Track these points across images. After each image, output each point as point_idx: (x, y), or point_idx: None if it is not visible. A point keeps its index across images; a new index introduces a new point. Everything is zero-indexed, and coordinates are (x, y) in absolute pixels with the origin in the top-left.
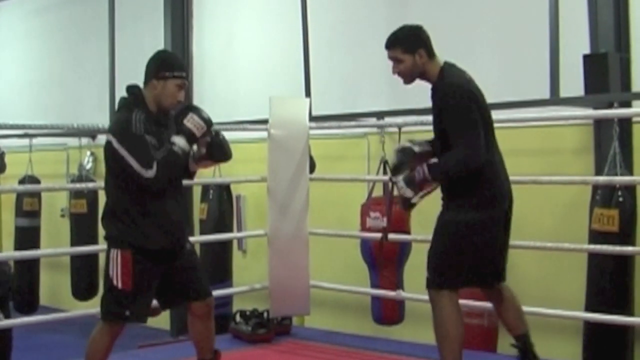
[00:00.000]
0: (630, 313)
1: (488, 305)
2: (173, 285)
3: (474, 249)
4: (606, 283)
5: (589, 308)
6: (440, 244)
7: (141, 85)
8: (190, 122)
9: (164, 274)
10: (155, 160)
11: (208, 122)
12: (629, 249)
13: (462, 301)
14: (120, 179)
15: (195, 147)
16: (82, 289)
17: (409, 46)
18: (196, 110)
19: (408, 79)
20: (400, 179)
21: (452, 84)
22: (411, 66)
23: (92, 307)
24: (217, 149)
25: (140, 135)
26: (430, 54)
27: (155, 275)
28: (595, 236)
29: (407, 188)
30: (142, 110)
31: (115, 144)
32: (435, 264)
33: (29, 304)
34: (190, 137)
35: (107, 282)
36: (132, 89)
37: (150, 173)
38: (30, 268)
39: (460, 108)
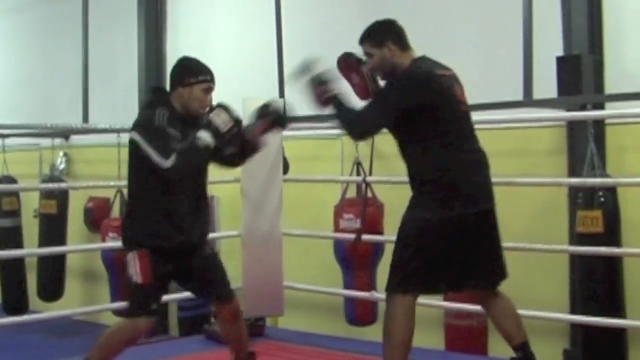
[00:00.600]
0: (623, 315)
1: (476, 306)
2: (196, 286)
3: (424, 251)
4: (596, 285)
5: (577, 310)
6: (396, 244)
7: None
8: (217, 117)
9: (182, 274)
10: (174, 150)
11: (236, 120)
12: (615, 250)
13: (450, 304)
14: (141, 177)
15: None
16: (49, 290)
17: (377, 40)
18: (225, 107)
19: (380, 73)
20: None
21: (404, 72)
22: (380, 60)
23: (59, 309)
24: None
25: (161, 126)
26: (403, 47)
27: (168, 274)
28: (581, 238)
29: (311, 85)
30: (166, 107)
31: (138, 139)
32: (391, 264)
33: (18, 304)
34: (215, 132)
35: (127, 281)
36: (155, 90)
37: (168, 163)
38: (17, 268)
39: (395, 90)
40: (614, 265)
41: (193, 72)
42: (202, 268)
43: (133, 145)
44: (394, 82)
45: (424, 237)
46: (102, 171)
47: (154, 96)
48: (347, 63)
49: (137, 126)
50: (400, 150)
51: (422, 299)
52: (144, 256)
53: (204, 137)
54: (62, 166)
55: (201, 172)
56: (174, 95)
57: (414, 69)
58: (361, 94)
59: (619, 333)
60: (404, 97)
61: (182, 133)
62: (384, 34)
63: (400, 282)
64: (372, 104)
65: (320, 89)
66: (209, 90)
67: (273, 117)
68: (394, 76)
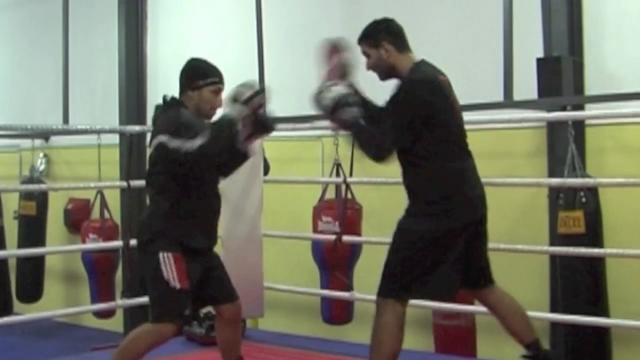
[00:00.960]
0: (606, 315)
1: (463, 306)
2: (207, 285)
3: (426, 261)
4: (579, 285)
5: (560, 310)
6: (392, 252)
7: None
8: (231, 108)
9: (203, 274)
10: (201, 133)
11: (258, 89)
12: (597, 250)
13: (438, 304)
14: (169, 179)
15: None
16: (27, 291)
17: (373, 40)
18: (242, 85)
19: (378, 73)
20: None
21: (412, 80)
22: (376, 60)
23: (39, 310)
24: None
25: (189, 118)
26: (400, 48)
27: (198, 276)
28: (563, 239)
29: (329, 104)
30: (186, 109)
31: (165, 140)
32: (386, 272)
33: (4, 305)
34: (241, 99)
35: (158, 284)
36: (171, 98)
37: (196, 142)
38: (0, 270)
39: (405, 103)
40: (595, 265)
41: (202, 74)
42: (215, 267)
43: (160, 150)
44: (400, 93)
45: (425, 248)
46: (82, 172)
47: (171, 100)
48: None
49: (166, 125)
50: (400, 156)
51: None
52: (180, 259)
53: (230, 112)
54: (42, 167)
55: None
56: (185, 100)
57: (419, 76)
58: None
59: (602, 333)
60: (411, 111)
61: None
62: (380, 34)
63: (395, 289)
64: (386, 124)
65: (345, 112)
66: (218, 91)
67: (258, 122)
68: (396, 78)
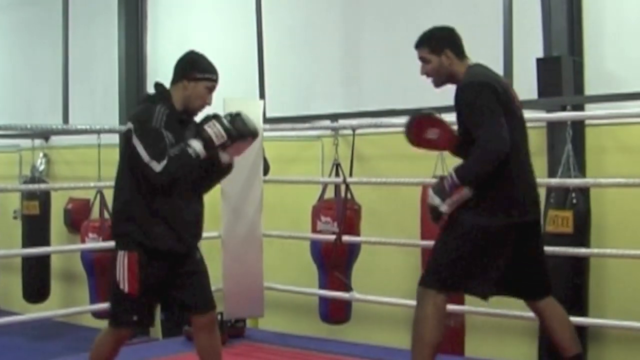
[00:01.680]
0: (585, 314)
1: (454, 306)
2: (175, 291)
3: (477, 256)
4: (561, 284)
5: None
6: (442, 243)
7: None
8: (212, 129)
9: (170, 279)
10: (167, 155)
11: (230, 133)
12: (583, 250)
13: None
14: (134, 174)
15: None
16: (34, 291)
17: (435, 46)
18: (220, 120)
19: (436, 80)
20: (430, 190)
21: (466, 82)
22: (437, 67)
23: (44, 310)
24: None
25: (157, 128)
26: (460, 55)
27: (162, 280)
28: (550, 238)
29: (435, 196)
30: (166, 106)
31: (133, 132)
32: (432, 263)
33: None
34: (208, 144)
35: (113, 285)
36: (158, 87)
37: (158, 167)
38: None
39: (474, 101)
40: (579, 265)
41: (202, 68)
42: (191, 273)
43: (128, 134)
44: (464, 93)
45: (479, 241)
46: (82, 172)
47: (155, 91)
48: (421, 122)
49: (135, 121)
50: (462, 152)
51: (400, 299)
52: (134, 261)
53: (196, 146)
54: (41, 167)
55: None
56: (177, 88)
57: (477, 75)
58: (443, 144)
59: (579, 331)
60: (485, 98)
61: (175, 134)
62: (443, 41)
63: (439, 280)
64: (475, 127)
65: (445, 185)
66: (212, 89)
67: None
68: (453, 84)
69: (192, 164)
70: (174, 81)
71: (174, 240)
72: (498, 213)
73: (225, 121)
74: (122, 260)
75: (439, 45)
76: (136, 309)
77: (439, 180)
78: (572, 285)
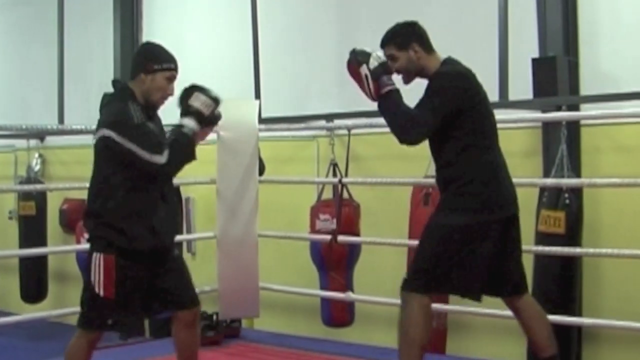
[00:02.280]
0: (575, 314)
1: (436, 306)
2: (156, 290)
3: (457, 256)
4: (551, 284)
5: None
6: (422, 246)
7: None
8: (197, 101)
9: (149, 279)
10: (165, 144)
11: (216, 100)
12: (575, 250)
13: None
14: (112, 174)
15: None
16: (32, 292)
17: (401, 43)
18: (201, 89)
19: (406, 76)
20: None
21: (443, 72)
22: (406, 63)
23: (41, 310)
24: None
25: (142, 123)
26: (427, 49)
27: (141, 281)
28: (541, 238)
29: (376, 66)
30: (136, 102)
31: (117, 138)
32: (414, 266)
33: None
34: (199, 117)
35: (87, 288)
36: (118, 83)
37: (162, 158)
38: None
39: (439, 88)
40: (570, 265)
41: (157, 58)
42: (170, 271)
43: (107, 142)
44: (435, 84)
45: (458, 242)
46: (78, 172)
47: (118, 89)
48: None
49: (112, 123)
50: (435, 151)
51: (395, 299)
52: (110, 264)
53: (190, 124)
54: (37, 167)
55: None
56: (136, 83)
57: (451, 69)
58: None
59: (569, 331)
60: (449, 99)
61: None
62: (409, 36)
63: (423, 283)
64: (422, 105)
65: (381, 80)
66: (172, 79)
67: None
68: (425, 78)
69: (192, 144)
70: (133, 76)
71: (151, 240)
72: (478, 210)
73: (202, 92)
74: (97, 262)
75: (406, 41)
76: (112, 312)
77: (384, 65)
78: (562, 285)
